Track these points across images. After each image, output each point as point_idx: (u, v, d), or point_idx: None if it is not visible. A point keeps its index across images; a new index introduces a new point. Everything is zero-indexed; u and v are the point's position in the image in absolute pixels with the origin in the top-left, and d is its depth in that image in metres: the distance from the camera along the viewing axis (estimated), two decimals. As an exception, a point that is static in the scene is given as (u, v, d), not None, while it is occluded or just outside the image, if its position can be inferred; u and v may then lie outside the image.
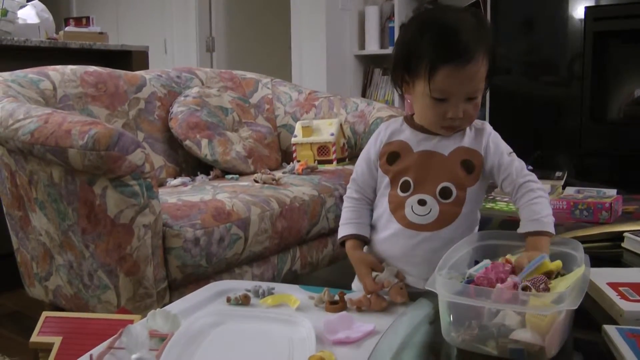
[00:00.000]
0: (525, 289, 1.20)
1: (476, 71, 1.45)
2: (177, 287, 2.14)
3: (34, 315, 2.70)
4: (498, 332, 1.14)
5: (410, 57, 1.50)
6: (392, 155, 1.57)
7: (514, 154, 1.56)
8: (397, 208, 1.55)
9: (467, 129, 1.55)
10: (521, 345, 1.11)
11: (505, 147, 1.56)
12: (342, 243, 1.64)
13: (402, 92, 1.60)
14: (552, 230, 1.42)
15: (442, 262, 1.30)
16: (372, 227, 1.64)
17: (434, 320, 1.30)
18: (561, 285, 1.22)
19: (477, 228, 1.59)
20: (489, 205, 2.46)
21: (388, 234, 1.57)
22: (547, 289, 1.21)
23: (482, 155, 1.53)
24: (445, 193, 1.51)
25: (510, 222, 2.22)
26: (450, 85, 1.45)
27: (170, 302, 1.99)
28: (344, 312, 1.39)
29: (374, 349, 1.17)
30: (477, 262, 1.41)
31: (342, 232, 1.64)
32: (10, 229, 2.50)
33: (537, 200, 1.46)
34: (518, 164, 1.54)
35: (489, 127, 1.58)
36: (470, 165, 1.52)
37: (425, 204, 1.51)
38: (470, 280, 1.31)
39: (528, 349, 1.11)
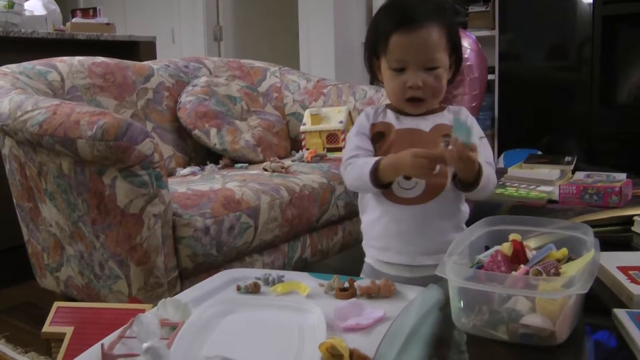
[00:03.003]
0: (536, 273, 1.20)
1: (427, 38, 1.52)
2: (188, 276, 2.15)
3: (45, 306, 2.71)
4: (509, 317, 1.14)
5: (375, 39, 1.59)
6: (377, 135, 1.62)
7: (485, 140, 1.60)
8: None
9: (445, 111, 1.63)
10: (532, 330, 1.11)
11: (477, 131, 1.59)
12: (375, 174, 1.54)
13: (379, 79, 1.66)
14: (479, 172, 1.47)
15: (451, 248, 1.30)
16: (361, 211, 1.68)
17: (444, 306, 1.30)
18: (571, 270, 1.22)
19: (465, 205, 1.63)
20: (499, 190, 2.45)
21: (379, 213, 1.61)
22: (557, 274, 1.21)
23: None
24: None
25: (521, 207, 2.22)
26: (403, 52, 1.53)
27: (181, 291, 1.99)
28: (354, 299, 1.39)
29: (385, 335, 1.17)
30: (487, 248, 1.41)
31: (368, 166, 1.54)
32: (20, 221, 2.51)
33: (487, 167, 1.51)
34: (484, 149, 1.56)
35: (465, 110, 1.64)
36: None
37: (410, 177, 1.53)
38: (480, 266, 1.31)
39: (539, 333, 1.11)
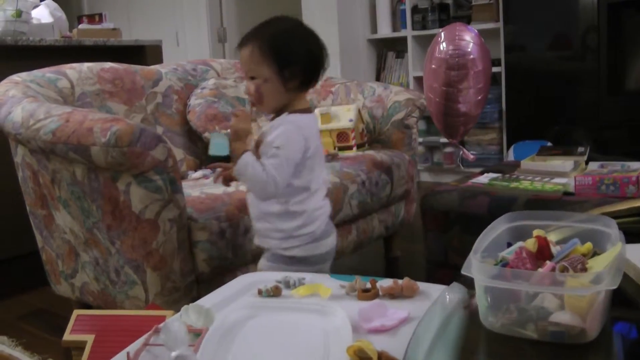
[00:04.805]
0: (563, 270, 1.19)
1: (242, 55, 1.88)
2: (205, 280, 2.14)
3: (59, 312, 2.70)
4: (537, 315, 1.13)
5: None
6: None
7: (279, 151, 1.84)
8: None
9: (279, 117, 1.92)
10: (561, 328, 1.10)
11: (275, 141, 1.86)
12: None
13: None
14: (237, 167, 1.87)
15: (476, 245, 1.29)
16: None
17: (469, 304, 1.28)
18: (598, 265, 1.21)
19: (277, 203, 1.90)
20: (513, 184, 2.44)
21: None
22: (584, 269, 1.20)
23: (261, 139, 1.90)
24: None
25: (537, 201, 2.21)
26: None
27: (198, 295, 1.99)
28: (377, 300, 1.39)
29: (411, 338, 1.16)
30: (509, 244, 1.40)
31: None
32: (34, 228, 2.51)
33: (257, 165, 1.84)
34: (269, 159, 1.85)
35: (284, 121, 1.90)
36: (258, 144, 1.93)
37: None
38: (505, 263, 1.29)
39: (569, 331, 1.10)
